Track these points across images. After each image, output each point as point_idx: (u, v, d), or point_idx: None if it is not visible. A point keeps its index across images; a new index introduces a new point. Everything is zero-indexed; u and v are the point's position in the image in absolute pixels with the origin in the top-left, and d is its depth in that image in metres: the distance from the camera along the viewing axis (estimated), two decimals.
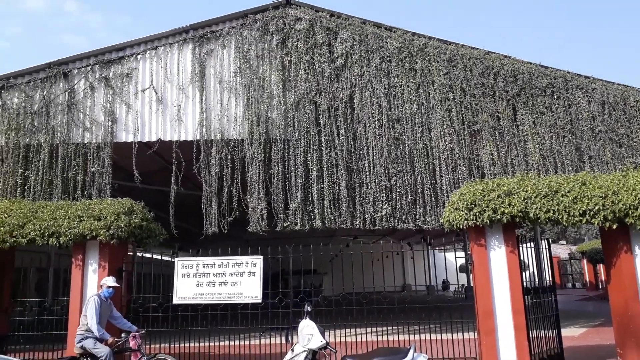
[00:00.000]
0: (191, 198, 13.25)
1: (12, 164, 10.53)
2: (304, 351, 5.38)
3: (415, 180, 10.97)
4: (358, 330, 7.70)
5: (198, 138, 11.11)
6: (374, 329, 7.58)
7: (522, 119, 11.50)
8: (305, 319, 5.67)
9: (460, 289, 26.22)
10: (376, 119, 11.18)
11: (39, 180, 10.50)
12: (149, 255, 19.31)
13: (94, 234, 7.20)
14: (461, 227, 7.31)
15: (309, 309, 5.79)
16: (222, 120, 11.21)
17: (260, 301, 7.25)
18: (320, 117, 11.13)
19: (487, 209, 7.01)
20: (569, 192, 7.12)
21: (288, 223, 10.76)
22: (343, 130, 11.11)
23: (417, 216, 10.85)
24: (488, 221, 7.02)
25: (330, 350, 5.33)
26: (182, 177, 11.17)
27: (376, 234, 26.67)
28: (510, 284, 7.06)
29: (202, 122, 11.12)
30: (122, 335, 6.46)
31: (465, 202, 7.14)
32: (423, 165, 11.02)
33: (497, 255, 7.24)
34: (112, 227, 7.19)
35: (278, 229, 10.72)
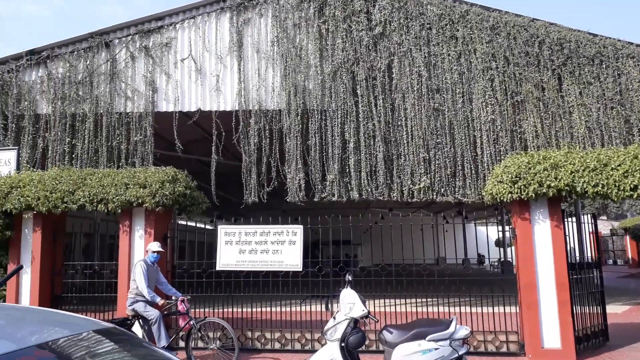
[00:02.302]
0: (229, 168, 13.44)
1: (59, 133, 10.87)
2: (346, 319, 5.45)
3: (455, 152, 10.78)
4: (396, 301, 7.76)
5: (237, 108, 11.17)
6: (411, 301, 7.61)
7: (568, 89, 11.06)
8: (347, 288, 5.73)
9: (496, 263, 25.99)
10: (415, 88, 10.97)
11: (85, 148, 10.83)
12: (183, 223, 19.86)
13: (139, 201, 7.41)
14: (505, 200, 7.18)
15: (350, 278, 5.85)
16: (260, 90, 11.21)
17: (300, 270, 7.38)
18: (358, 87, 10.99)
19: (532, 182, 6.85)
20: (619, 165, 6.87)
21: (325, 194, 10.81)
22: (381, 101, 10.96)
23: (456, 189, 10.71)
24: (533, 195, 6.87)
25: (372, 319, 5.40)
26: (222, 147, 11.31)
27: (411, 206, 26.52)
28: (555, 258, 6.94)
29: (241, 92, 11.16)
30: (173, 298, 6.69)
31: (510, 175, 6.99)
32: (463, 137, 10.80)
33: (542, 229, 7.10)
34: (157, 195, 7.38)
35: (316, 199, 10.79)
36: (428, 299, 7.64)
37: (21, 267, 1.57)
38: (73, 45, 11.32)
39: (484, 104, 10.91)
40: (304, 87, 11.11)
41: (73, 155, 10.83)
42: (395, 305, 7.67)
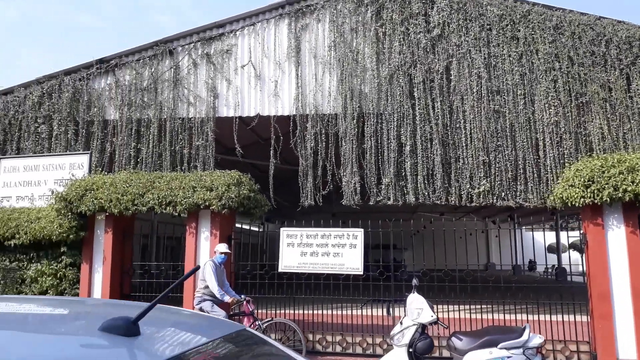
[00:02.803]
0: (281, 172, 13.65)
1: (125, 137, 11.39)
2: (414, 325, 5.41)
3: (516, 155, 10.48)
4: (456, 307, 7.63)
5: (294, 113, 11.32)
6: (464, 307, 7.45)
7: (638, 89, 10.52)
8: (413, 293, 5.70)
9: (550, 270, 25.04)
10: (474, 90, 10.75)
11: (150, 152, 11.28)
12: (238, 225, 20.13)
13: (207, 203, 7.66)
14: (576, 204, 6.92)
15: (417, 283, 5.81)
16: (316, 95, 11.32)
17: (361, 273, 7.39)
18: (415, 89, 10.90)
19: (606, 186, 6.57)
20: None
21: (381, 197, 10.77)
22: (438, 103, 10.81)
23: (518, 193, 10.40)
24: (608, 199, 6.59)
25: (441, 325, 5.34)
26: (275, 151, 11.48)
27: (460, 211, 25.97)
28: (630, 266, 6.62)
29: (298, 97, 11.31)
30: (242, 296, 6.85)
31: (582, 179, 6.74)
32: (525, 140, 10.49)
33: (616, 235, 6.80)
34: (223, 198, 7.60)
35: (371, 203, 10.77)
36: (490, 306, 7.46)
37: (198, 268, 1.51)
38: (139, 53, 11.84)
39: (546, 105, 10.56)
40: (360, 91, 11.14)
41: (138, 159, 11.31)
42: (451, 311, 7.55)
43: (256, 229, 15.92)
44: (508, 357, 4.93)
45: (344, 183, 10.93)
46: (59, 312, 1.67)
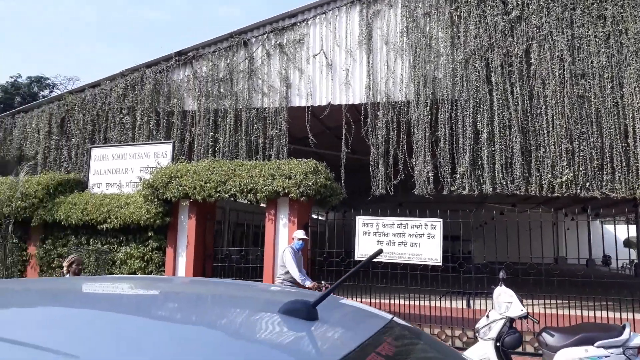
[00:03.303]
0: (349, 161, 13.63)
1: (203, 127, 11.83)
2: (502, 318, 5.27)
3: (603, 143, 9.86)
4: (535, 301, 7.34)
5: (365, 101, 11.26)
6: (551, 302, 7.14)
7: None
8: (501, 286, 5.54)
9: (628, 265, 23.50)
10: (557, 74, 10.19)
11: (226, 142, 11.65)
12: None
13: (285, 191, 7.82)
14: None
15: (504, 275, 5.65)
16: (388, 82, 11.19)
17: (440, 264, 7.29)
18: (492, 74, 10.49)
19: None
20: None
21: (455, 187, 10.52)
22: (518, 88, 10.35)
23: (604, 183, 9.81)
24: None
25: (531, 320, 5.17)
26: (339, 140, 11.44)
27: (529, 202, 24.85)
28: None
29: (369, 85, 11.23)
30: (322, 282, 6.95)
31: None
32: (612, 126, 9.83)
33: None
34: (301, 186, 7.73)
35: (445, 192, 10.55)
36: (565, 301, 7.12)
37: (381, 251, 1.44)
38: (215, 45, 12.21)
39: (637, 89, 9.83)
40: (434, 77, 10.88)
41: (216, 149, 11.72)
42: (533, 305, 7.27)
43: (323, 217, 16.11)
44: (606, 356, 4.69)
45: (416, 172, 10.76)
46: (236, 294, 1.76)
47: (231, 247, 9.11)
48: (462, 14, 10.83)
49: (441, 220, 7.47)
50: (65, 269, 6.31)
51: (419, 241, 7.44)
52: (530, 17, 10.49)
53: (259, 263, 8.40)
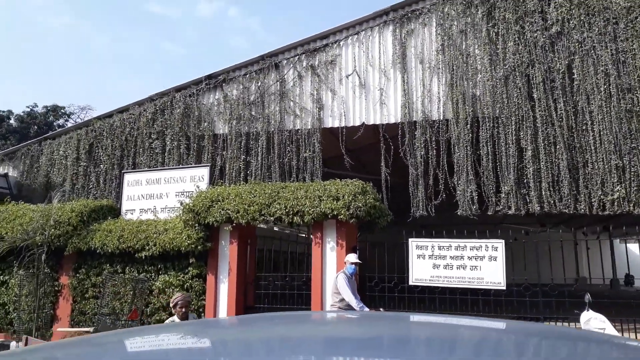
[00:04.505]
0: (377, 183, 13.26)
1: (235, 151, 11.55)
2: None
3: None
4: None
5: (400, 120, 10.98)
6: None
7: None
8: (588, 310, 5.08)
9: None
10: (602, 89, 9.86)
11: (259, 165, 11.35)
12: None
13: (334, 212, 7.44)
14: None
15: (590, 299, 5.19)
16: (424, 100, 10.91)
17: (503, 288, 6.82)
18: (534, 90, 10.19)
19: None
20: None
21: (500, 207, 10.10)
22: (561, 104, 10.02)
23: None
24: None
25: None
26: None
27: (548, 222, 24.24)
28: None
29: (405, 104, 10.95)
30: (380, 309, 6.51)
31: None
32: None
33: None
34: (351, 207, 7.35)
35: (490, 213, 10.13)
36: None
37: None
38: (245, 68, 12.04)
39: None
40: (473, 95, 10.60)
41: (248, 172, 11.41)
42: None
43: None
44: None
45: (458, 192, 10.37)
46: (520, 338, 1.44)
47: (272, 273, 8.64)
48: (500, 31, 10.61)
49: (503, 241, 7.04)
50: (174, 310, 5.97)
51: (479, 264, 6.99)
52: (572, 33, 10.23)
53: (304, 289, 7.95)
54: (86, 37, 65.43)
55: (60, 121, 29.90)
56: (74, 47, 62.58)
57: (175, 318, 5.89)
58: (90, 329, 6.29)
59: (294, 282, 8.19)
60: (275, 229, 11.71)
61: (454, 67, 10.77)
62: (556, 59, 10.21)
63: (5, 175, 12.86)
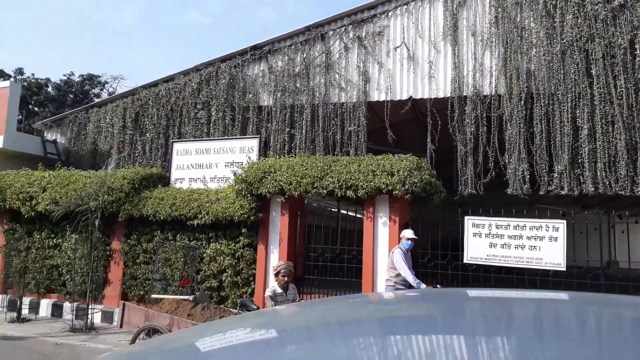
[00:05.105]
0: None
1: (280, 123, 11.49)
2: None
3: None
4: None
5: (450, 95, 10.71)
6: None
7: None
8: None
9: None
10: None
11: (303, 138, 11.28)
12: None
13: (389, 188, 7.35)
14: None
15: None
16: (476, 75, 10.60)
17: (564, 269, 6.68)
18: (593, 66, 9.76)
19: None
20: None
21: (553, 187, 9.84)
22: (622, 81, 9.58)
23: None
24: None
25: None
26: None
27: (583, 204, 23.66)
28: None
29: (456, 78, 10.66)
30: (437, 285, 6.45)
31: None
32: None
33: None
34: (406, 183, 7.25)
35: (541, 192, 9.89)
36: None
37: None
38: (291, 39, 11.86)
39: None
40: (527, 70, 10.23)
41: (292, 145, 11.36)
42: None
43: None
44: None
45: (509, 171, 10.13)
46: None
47: (323, 246, 8.66)
48: (557, 3, 10.14)
49: (565, 221, 6.86)
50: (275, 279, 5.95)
51: (538, 244, 6.84)
52: (635, 6, 9.70)
53: (354, 263, 7.95)
54: (113, 7, 65.69)
55: (96, 90, 30.24)
56: (101, 17, 62.97)
57: (276, 286, 5.85)
58: (190, 297, 6.41)
59: (343, 255, 8.17)
60: (314, 204, 11.66)
61: (508, 41, 10.39)
62: (618, 33, 9.73)
63: (55, 142, 13.12)
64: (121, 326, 6.86)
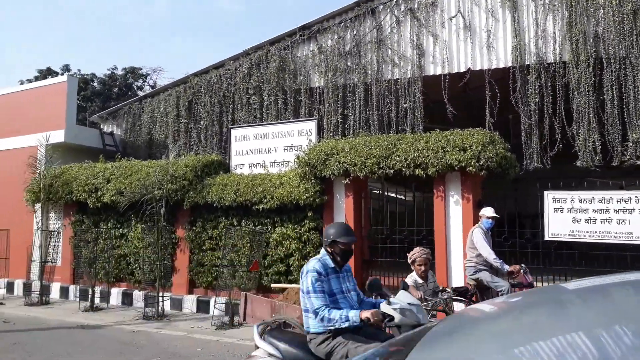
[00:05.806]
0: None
1: (332, 104, 11.28)
2: None
3: None
4: None
5: (511, 64, 10.21)
6: None
7: None
8: None
9: None
10: None
11: (356, 118, 11.05)
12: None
13: (462, 164, 7.08)
14: None
15: None
16: (538, 42, 10.05)
17: None
18: None
19: None
20: None
21: (627, 157, 9.29)
22: None
23: None
24: None
25: None
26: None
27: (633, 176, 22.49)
28: None
29: (517, 47, 10.14)
30: (522, 265, 6.15)
31: None
32: None
33: None
34: (481, 158, 6.95)
35: (614, 163, 9.36)
36: None
37: None
38: (340, 16, 11.57)
39: None
40: (595, 33, 9.61)
41: (346, 125, 11.16)
42: None
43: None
44: None
45: (578, 142, 9.62)
46: None
47: (388, 227, 8.47)
48: None
49: None
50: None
51: (628, 217, 6.44)
52: None
53: (424, 244, 7.74)
54: (144, 1, 66.37)
55: (139, 82, 30.73)
56: (134, 9, 63.75)
57: (415, 276, 5.51)
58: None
59: (412, 237, 7.96)
60: (375, 191, 11.42)
61: (573, 3, 9.78)
62: None
63: (112, 134, 13.37)
64: (244, 319, 6.57)
